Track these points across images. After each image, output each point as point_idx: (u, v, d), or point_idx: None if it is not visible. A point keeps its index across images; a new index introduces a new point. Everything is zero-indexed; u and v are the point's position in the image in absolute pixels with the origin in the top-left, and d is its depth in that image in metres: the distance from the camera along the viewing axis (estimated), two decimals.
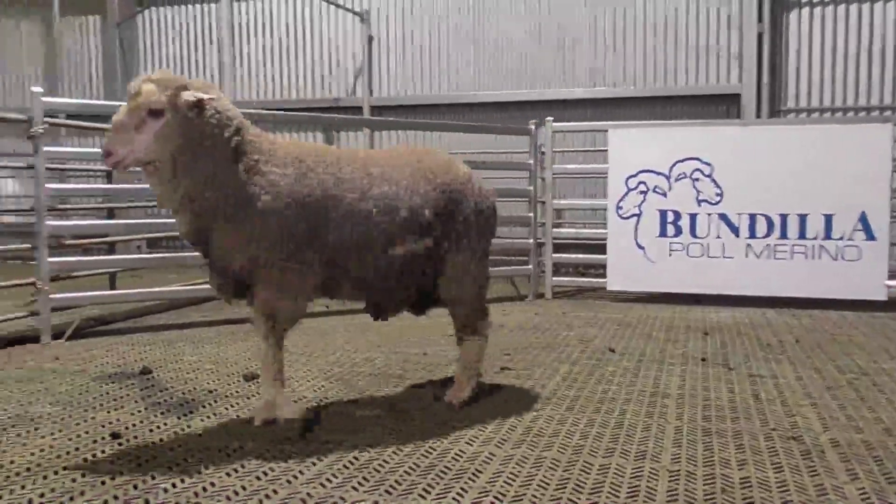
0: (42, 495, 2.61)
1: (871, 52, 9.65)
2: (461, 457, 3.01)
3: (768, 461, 2.97)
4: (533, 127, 7.88)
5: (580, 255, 8.49)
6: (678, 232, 7.30)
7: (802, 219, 6.97)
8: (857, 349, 5.18)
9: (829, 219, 6.89)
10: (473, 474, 2.83)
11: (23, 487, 2.68)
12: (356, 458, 2.98)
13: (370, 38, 11.23)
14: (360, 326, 5.90)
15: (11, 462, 2.92)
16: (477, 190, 3.78)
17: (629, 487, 2.71)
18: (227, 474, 2.80)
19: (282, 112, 10.34)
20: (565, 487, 2.71)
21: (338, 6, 11.09)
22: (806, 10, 9.84)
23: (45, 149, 5.40)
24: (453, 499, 2.61)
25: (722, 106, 10.08)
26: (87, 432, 3.28)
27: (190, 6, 12.15)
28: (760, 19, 9.81)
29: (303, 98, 11.62)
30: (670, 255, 7.31)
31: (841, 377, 4.37)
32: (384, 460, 2.96)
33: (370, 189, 3.42)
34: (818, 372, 4.50)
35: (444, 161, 3.76)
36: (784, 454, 3.05)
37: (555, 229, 8.08)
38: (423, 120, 10.52)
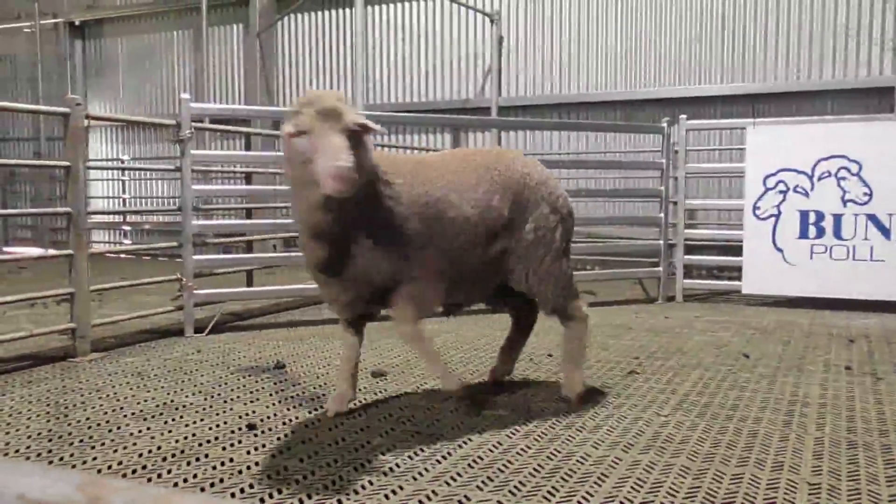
0: (185, 480, 2.77)
1: None
2: (586, 460, 2.97)
3: None
4: (665, 125, 7.67)
5: (713, 258, 8.20)
6: (820, 233, 6.91)
7: None
8: None
9: None
10: (599, 478, 2.78)
11: (168, 472, 2.85)
12: (481, 458, 2.99)
13: (500, 39, 11.25)
14: (490, 322, 5.92)
15: (159, 448, 3.11)
16: (552, 189, 3.74)
17: (764, 499, 2.59)
18: (355, 469, 2.87)
19: (413, 114, 10.58)
20: (695, 497, 2.62)
21: (469, 7, 11.17)
22: None
23: (192, 152, 5.74)
24: (578, 503, 2.57)
25: (873, 100, 9.46)
26: (225, 422, 3.45)
27: (326, 12, 12.57)
28: None
29: (432, 100, 11.78)
30: (811, 257, 6.92)
31: None
32: (508, 460, 2.96)
33: (466, 192, 3.46)
34: None
35: (521, 161, 3.75)
36: None
37: (687, 230, 7.83)
38: (553, 119, 10.47)
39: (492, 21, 11.14)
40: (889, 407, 3.71)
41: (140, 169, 14.25)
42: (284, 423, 3.44)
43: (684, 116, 7.70)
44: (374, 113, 9.68)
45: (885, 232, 6.69)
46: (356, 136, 3.01)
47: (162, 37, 14.01)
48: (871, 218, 6.73)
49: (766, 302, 7.31)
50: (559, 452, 3.05)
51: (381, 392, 3.97)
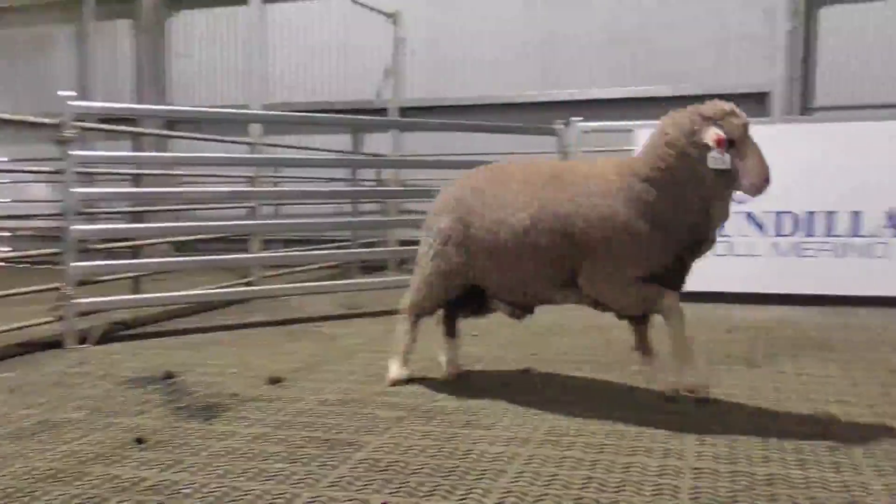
0: (65, 502, 2.63)
1: None
2: (484, 457, 3.00)
3: (792, 458, 2.92)
4: (559, 127, 7.86)
5: None
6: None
7: (830, 216, 6.88)
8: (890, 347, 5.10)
9: (856, 216, 6.79)
10: (495, 474, 2.81)
11: (46, 494, 2.70)
12: (379, 460, 2.98)
13: (399, 40, 11.25)
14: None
15: (35, 468, 2.95)
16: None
17: (652, 485, 2.68)
18: (249, 479, 2.81)
19: (310, 114, 10.42)
20: (588, 486, 2.69)
21: (368, 8, 11.10)
22: (840, 7, 9.69)
23: (74, 153, 5.48)
24: (476, 500, 2.59)
25: (751, 104, 9.94)
26: (110, 438, 3.31)
27: (219, 9, 12.25)
28: (793, 15, 9.68)
29: (332, 100, 11.66)
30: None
31: (868, 375, 4.30)
32: (406, 462, 2.96)
33: None
34: (844, 368, 4.43)
35: None
36: (808, 451, 3.00)
37: None
38: (451, 121, 10.54)
39: (392, 21, 11.14)
40: (762, 392, 3.90)
41: (18, 171, 13.51)
42: (175, 435, 3.33)
43: (578, 119, 7.91)
44: (271, 113, 9.56)
45: (761, 228, 7.06)
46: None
47: (44, 30, 13.33)
48: (748, 215, 7.07)
49: None
50: (457, 451, 3.07)
51: (276, 399, 3.90)
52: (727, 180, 3.35)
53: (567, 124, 7.90)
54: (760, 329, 5.82)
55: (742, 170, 3.28)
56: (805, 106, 9.85)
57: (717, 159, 3.26)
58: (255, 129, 9.09)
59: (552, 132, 7.95)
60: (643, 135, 7.32)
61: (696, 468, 2.84)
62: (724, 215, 3.55)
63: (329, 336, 5.63)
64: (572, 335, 5.61)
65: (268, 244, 9.16)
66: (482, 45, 11.04)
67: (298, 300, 7.23)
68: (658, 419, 3.44)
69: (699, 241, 3.57)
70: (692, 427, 3.33)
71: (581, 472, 2.83)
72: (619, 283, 3.60)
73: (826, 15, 9.76)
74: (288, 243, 10.04)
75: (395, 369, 4.17)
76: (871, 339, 5.39)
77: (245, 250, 8.19)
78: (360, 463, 2.95)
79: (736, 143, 3.28)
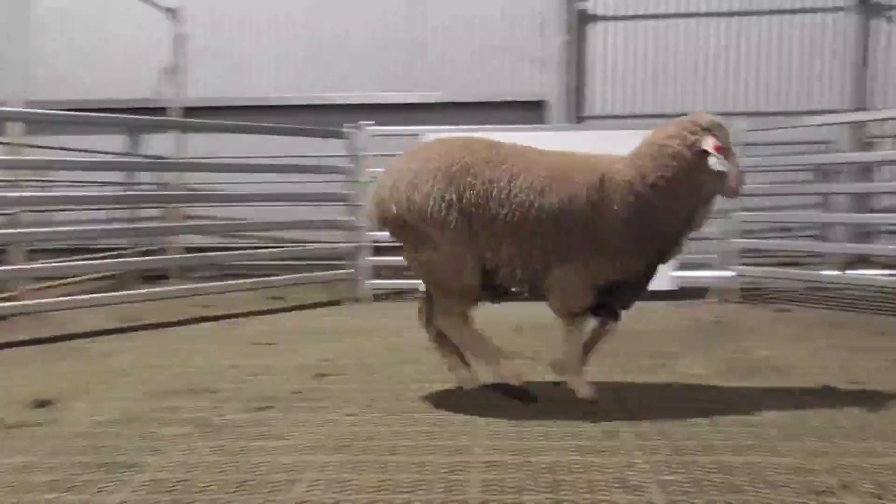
0: None
1: (664, 64, 10.46)
2: (277, 468, 2.94)
3: (573, 445, 3.13)
4: (349, 130, 7.89)
5: (398, 258, 8.54)
6: None
7: None
8: (648, 337, 5.58)
9: None
10: (288, 484, 2.78)
11: None
12: (163, 481, 2.83)
13: (181, 37, 10.74)
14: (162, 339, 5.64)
15: None
16: None
17: (443, 482, 2.77)
18: None
19: (77, 113, 9.68)
20: (382, 489, 2.73)
21: (144, 1, 10.47)
22: (606, 24, 10.49)
23: None
24: None
25: (531, 112, 10.53)
26: None
27: None
28: (566, 30, 10.36)
29: (106, 98, 10.89)
30: None
31: (637, 364, 4.69)
32: (193, 480, 2.84)
33: None
34: (615, 358, 4.80)
35: None
36: (587, 438, 3.23)
37: (372, 232, 8.10)
38: (237, 122, 10.23)
39: (172, 17, 10.61)
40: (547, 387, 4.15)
41: None
42: None
43: (367, 122, 7.98)
44: (36, 111, 8.74)
45: None
46: None
47: None
48: None
49: None
50: (248, 464, 2.99)
51: (44, 423, 3.58)
52: (718, 185, 3.64)
53: (357, 128, 7.95)
54: (547, 327, 6.17)
55: (728, 174, 3.59)
56: (578, 114, 10.56)
57: (718, 162, 3.53)
58: (16, 128, 8.30)
59: (341, 135, 7.96)
60: (429, 139, 7.59)
61: (485, 462, 2.97)
62: (702, 222, 3.81)
63: (103, 352, 5.26)
64: (354, 339, 5.65)
65: (34, 255, 8.39)
66: (269, 44, 10.82)
67: (68, 315, 6.68)
68: (450, 418, 3.56)
69: (668, 249, 3.80)
70: (483, 424, 3.47)
71: (374, 475, 2.86)
72: (584, 283, 3.74)
73: (595, 29, 10.55)
74: (59, 253, 9.27)
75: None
76: (638, 332, 5.88)
77: (5, 262, 7.47)
78: (142, 485, 2.79)
79: (723, 151, 3.56)
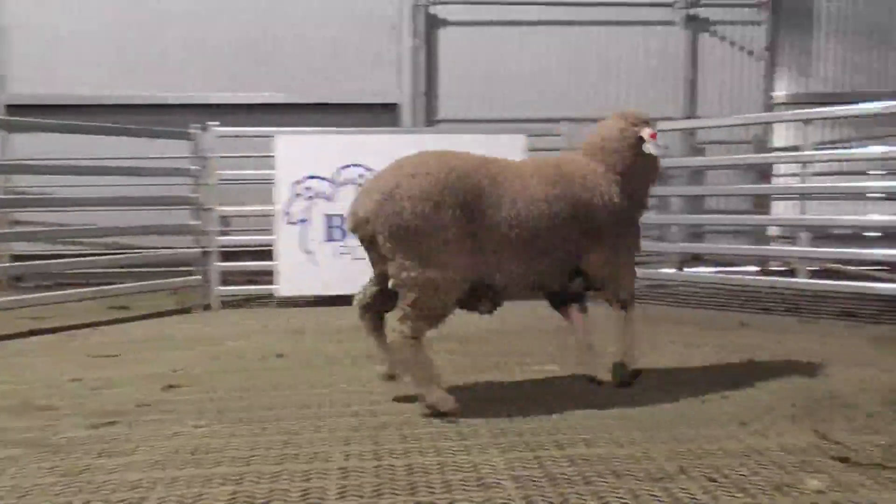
0: None
1: (511, 70, 10.78)
2: (122, 486, 2.80)
3: (429, 446, 3.17)
4: (195, 131, 7.61)
5: (249, 263, 8.35)
6: (345, 235, 7.50)
7: None
8: (501, 336, 5.73)
9: None
10: (136, 503, 2.64)
11: None
12: None
13: (2, 30, 9.99)
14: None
15: None
16: None
17: (300, 490, 2.72)
18: None
19: None
20: (235, 500, 2.65)
21: None
22: (455, 29, 10.68)
23: None
24: None
25: (383, 115, 10.56)
26: None
27: None
28: (415, 34, 10.46)
29: None
30: (338, 258, 7.49)
31: (488, 362, 4.80)
32: None
33: None
34: (468, 356, 4.90)
35: None
36: (443, 438, 3.27)
37: (221, 237, 7.87)
38: (73, 122, 9.65)
39: None
40: (403, 387, 4.17)
41: None
42: None
43: (214, 123, 7.72)
44: None
45: None
46: None
47: None
48: None
49: (301, 303, 7.69)
50: (90, 484, 2.82)
51: None
52: (656, 170, 4.27)
53: (203, 129, 7.69)
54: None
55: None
56: (430, 118, 10.70)
57: (655, 146, 4.10)
58: None
59: (187, 136, 7.68)
60: (284, 142, 7.47)
61: (342, 467, 2.95)
62: (648, 204, 4.37)
63: None
64: (204, 348, 5.48)
65: None
66: (105, 41, 10.25)
67: None
68: (306, 425, 3.51)
69: None
70: (339, 429, 3.44)
71: (227, 487, 2.77)
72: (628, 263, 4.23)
73: (445, 34, 10.72)
74: None
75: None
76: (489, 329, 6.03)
77: None
78: None
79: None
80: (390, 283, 3.70)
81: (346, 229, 4.09)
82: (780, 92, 11.17)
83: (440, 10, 10.68)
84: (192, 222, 7.63)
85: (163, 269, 8.60)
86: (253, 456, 3.10)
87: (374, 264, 3.92)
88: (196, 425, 3.54)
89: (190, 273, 7.65)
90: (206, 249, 7.63)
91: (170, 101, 10.24)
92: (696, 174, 10.73)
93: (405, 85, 10.50)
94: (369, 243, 3.77)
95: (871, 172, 10.11)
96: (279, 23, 10.44)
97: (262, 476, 2.87)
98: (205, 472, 2.92)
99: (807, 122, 6.85)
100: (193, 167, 7.62)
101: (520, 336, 5.72)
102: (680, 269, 9.31)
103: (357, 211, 3.75)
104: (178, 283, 7.65)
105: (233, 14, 10.37)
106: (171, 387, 4.29)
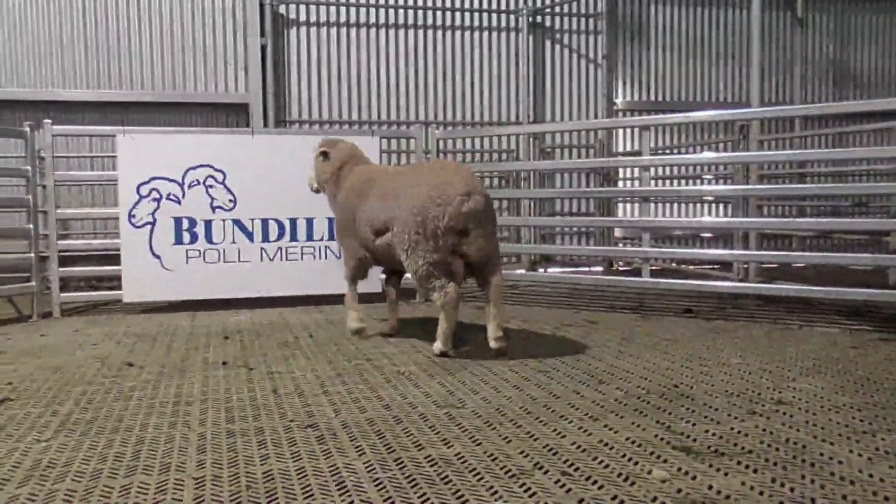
0: None
1: (358, 72, 10.79)
2: None
3: (288, 452, 3.14)
4: (28, 129, 7.12)
5: (92, 268, 7.94)
6: (194, 239, 7.28)
7: (310, 222, 7.50)
8: (359, 337, 5.75)
9: (332, 222, 7.51)
10: None
11: None
12: None
13: None
14: None
15: None
16: None
17: (154, 502, 2.63)
18: None
19: None
20: None
21: None
22: (304, 29, 10.58)
23: None
24: None
25: (233, 115, 10.31)
26: None
27: None
28: (263, 33, 10.27)
29: None
30: (187, 262, 7.25)
31: (348, 364, 4.81)
32: None
33: None
34: (330, 362, 4.89)
35: None
36: (302, 442, 3.25)
37: (60, 241, 7.42)
38: None
39: None
40: (260, 393, 4.11)
41: None
42: None
43: (49, 121, 7.27)
44: None
45: (249, 235, 7.39)
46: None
47: None
48: (237, 223, 7.35)
49: (149, 309, 7.39)
50: None
51: None
52: None
53: (37, 126, 7.22)
54: (253, 332, 6.09)
55: None
56: (280, 118, 10.55)
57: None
58: None
59: (20, 134, 7.19)
60: (126, 141, 7.14)
61: (197, 478, 2.87)
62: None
63: None
64: (42, 358, 5.17)
65: None
66: None
67: None
68: (157, 434, 3.39)
69: None
70: (194, 438, 3.35)
71: (73, 503, 2.64)
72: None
73: (294, 34, 10.59)
74: None
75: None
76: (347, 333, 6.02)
77: None
78: None
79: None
80: (479, 256, 4.89)
81: (457, 224, 4.77)
82: (620, 99, 11.80)
83: (290, 10, 10.55)
84: (28, 226, 7.14)
85: None
86: (99, 469, 2.96)
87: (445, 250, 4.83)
88: (36, 440, 3.34)
89: (27, 279, 7.16)
90: (44, 254, 7.18)
91: (11, 98, 9.56)
92: (545, 177, 11.17)
93: (254, 85, 10.30)
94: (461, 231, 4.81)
95: (704, 177, 10.88)
96: (127, 18, 9.97)
97: (112, 490, 2.75)
98: (47, 489, 2.77)
99: (645, 128, 7.26)
100: (27, 167, 7.13)
101: (375, 336, 5.75)
102: (531, 269, 9.66)
103: (477, 207, 4.79)
104: (14, 289, 7.14)
105: (77, 7, 9.81)
106: (6, 400, 4.01)
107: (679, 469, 2.90)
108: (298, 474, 2.89)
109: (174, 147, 7.30)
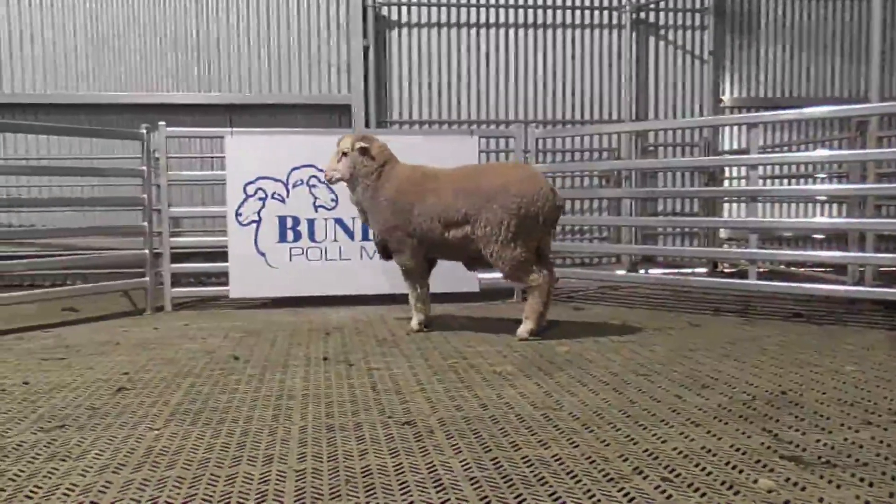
0: None
1: (459, 72, 10.82)
2: (73, 490, 2.75)
3: (386, 448, 3.17)
4: (145, 131, 7.48)
5: (200, 265, 8.26)
6: (297, 237, 7.46)
7: None
8: (456, 336, 5.77)
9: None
10: None
11: None
12: None
13: None
14: None
15: None
16: None
17: (257, 492, 2.71)
18: None
19: None
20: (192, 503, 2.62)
21: None
22: (405, 30, 10.69)
23: None
24: None
25: (335, 115, 10.51)
26: None
27: None
28: (365, 35, 10.44)
29: None
30: (291, 259, 7.44)
31: (445, 363, 4.83)
32: None
33: None
34: (427, 360, 4.92)
35: None
36: (399, 439, 3.28)
37: (172, 238, 7.75)
38: (23, 122, 9.43)
39: None
40: (359, 389, 4.18)
41: None
42: None
43: (163, 123, 7.61)
44: None
45: (350, 233, 7.53)
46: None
47: None
48: (339, 221, 7.50)
49: (254, 305, 7.62)
50: (41, 488, 2.77)
51: None
52: None
53: (153, 129, 7.56)
54: (353, 329, 6.20)
55: None
56: (381, 119, 10.69)
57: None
58: None
59: (138, 136, 7.55)
60: (234, 142, 7.39)
61: (298, 470, 2.93)
62: None
63: None
64: (155, 351, 5.40)
65: None
66: (53, 43, 10.02)
67: None
68: (260, 427, 3.49)
69: None
70: (295, 431, 3.43)
71: (182, 491, 2.74)
72: None
73: (395, 36, 10.71)
74: None
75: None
76: (445, 331, 6.05)
77: None
78: None
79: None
80: (547, 248, 5.84)
81: (551, 217, 5.63)
82: (727, 96, 11.41)
83: (392, 12, 10.67)
84: (143, 223, 7.49)
85: (113, 270, 8.47)
86: (207, 458, 3.07)
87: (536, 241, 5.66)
88: (149, 428, 3.49)
89: (141, 275, 7.51)
90: (158, 251, 7.52)
91: (122, 101, 10.06)
92: (648, 176, 10.92)
93: (356, 86, 10.47)
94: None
95: (817, 176, 10.40)
96: (231, 24, 10.32)
97: (219, 479, 2.85)
98: (158, 475, 2.89)
99: (754, 125, 7.00)
100: (143, 168, 7.48)
101: (473, 335, 5.76)
102: (632, 270, 9.46)
103: (561, 204, 5.68)
104: (129, 284, 7.51)
105: (186, 16, 10.22)
106: (120, 390, 4.22)
107: (787, 479, 2.78)
108: (396, 470, 2.91)
109: (279, 147, 7.50)
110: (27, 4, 9.94)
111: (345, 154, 5.95)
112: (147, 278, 7.43)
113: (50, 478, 2.88)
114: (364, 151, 5.91)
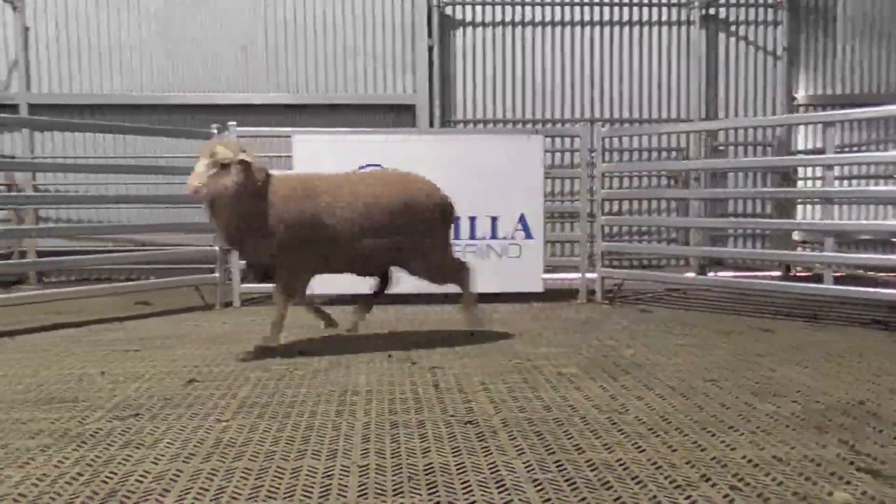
0: None
1: (525, 71, 10.76)
2: (146, 477, 2.83)
3: (448, 447, 3.18)
4: (215, 131, 7.65)
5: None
6: None
7: (472, 220, 7.58)
8: (519, 337, 5.74)
9: (494, 220, 7.55)
10: (160, 494, 2.68)
11: None
12: (23, 496, 2.67)
13: (25, 29, 10.11)
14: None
15: None
16: None
17: (321, 486, 2.74)
18: None
19: None
20: (257, 496, 2.67)
21: None
22: (469, 29, 10.69)
23: None
24: None
25: (399, 114, 10.58)
26: None
27: None
28: (430, 34, 10.47)
29: None
30: None
31: (508, 363, 4.81)
32: (58, 493, 2.69)
33: None
34: (490, 360, 4.91)
35: None
36: (462, 438, 3.28)
37: None
38: (98, 121, 9.75)
39: (14, 8, 9.97)
40: (422, 387, 4.19)
41: None
42: None
43: (234, 123, 7.77)
44: None
45: None
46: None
47: None
48: None
49: (320, 301, 7.71)
50: (116, 474, 2.86)
51: None
52: None
53: (224, 128, 7.73)
54: (417, 326, 6.22)
55: None
56: (445, 118, 10.70)
57: None
58: None
59: (207, 136, 7.72)
60: (302, 141, 7.51)
61: (361, 466, 2.96)
62: None
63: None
64: (224, 345, 5.52)
65: None
66: (123, 44, 10.32)
67: None
68: (325, 421, 3.53)
69: None
70: (359, 427, 3.46)
71: (250, 481, 2.80)
72: None
73: (460, 35, 10.72)
74: None
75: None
76: (508, 331, 6.03)
77: None
78: (2, 497, 2.62)
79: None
80: None
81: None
82: (801, 93, 11.08)
83: (457, 11, 10.68)
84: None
85: (185, 265, 8.69)
86: (273, 451, 3.13)
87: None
88: (218, 420, 3.57)
89: (211, 270, 7.69)
90: (226, 247, 7.68)
91: (191, 102, 10.31)
92: (717, 177, 10.69)
93: (421, 85, 10.51)
94: None
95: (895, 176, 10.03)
96: (296, 25, 10.47)
97: (284, 472, 2.90)
98: (226, 466, 2.95)
99: (830, 124, 6.77)
100: None
101: (537, 336, 5.72)
102: (700, 273, 9.28)
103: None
104: (199, 279, 7.70)
105: (253, 18, 10.42)
106: (191, 382, 4.33)
107: (864, 493, 2.68)
108: (458, 469, 2.92)
109: (345, 147, 7.58)
110: (102, 8, 10.27)
111: (224, 166, 4.72)
112: (217, 274, 7.60)
113: (124, 464, 2.97)
114: (245, 164, 4.78)
